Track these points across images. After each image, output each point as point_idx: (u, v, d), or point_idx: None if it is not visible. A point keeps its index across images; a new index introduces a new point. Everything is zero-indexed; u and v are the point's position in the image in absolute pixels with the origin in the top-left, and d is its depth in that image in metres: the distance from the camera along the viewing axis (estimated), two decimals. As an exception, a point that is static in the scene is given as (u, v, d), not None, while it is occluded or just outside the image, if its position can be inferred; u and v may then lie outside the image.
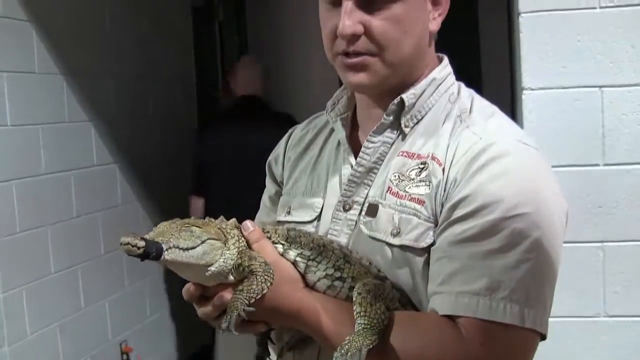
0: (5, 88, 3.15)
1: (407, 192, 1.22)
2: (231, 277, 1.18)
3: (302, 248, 1.23)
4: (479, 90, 1.34)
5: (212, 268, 1.16)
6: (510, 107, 3.05)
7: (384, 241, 1.22)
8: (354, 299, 1.15)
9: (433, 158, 1.22)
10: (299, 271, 1.23)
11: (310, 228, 1.33)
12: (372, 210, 1.26)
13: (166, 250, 1.11)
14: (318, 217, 1.35)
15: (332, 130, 1.41)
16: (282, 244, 1.24)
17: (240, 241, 1.22)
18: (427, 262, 1.19)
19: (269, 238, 1.25)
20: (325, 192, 1.35)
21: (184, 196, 4.12)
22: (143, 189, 4.30)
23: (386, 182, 1.26)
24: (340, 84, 1.33)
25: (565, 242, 1.21)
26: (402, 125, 1.28)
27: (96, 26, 3.91)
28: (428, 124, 1.27)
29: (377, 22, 1.20)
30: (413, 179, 1.22)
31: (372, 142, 1.29)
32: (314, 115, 1.52)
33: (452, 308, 1.13)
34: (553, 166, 1.33)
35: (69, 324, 3.59)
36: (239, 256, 1.18)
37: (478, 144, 1.19)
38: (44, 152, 3.42)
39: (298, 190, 1.41)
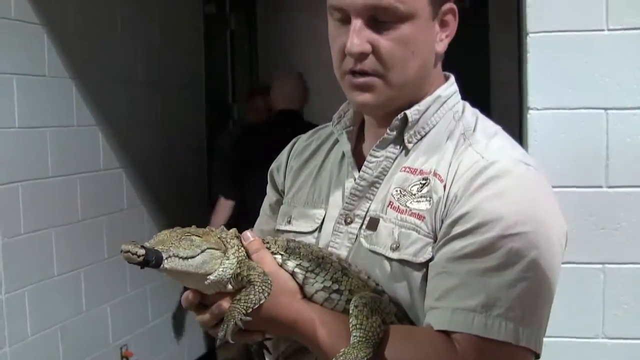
0: (15, 90, 3.17)
1: (408, 207, 1.23)
2: (230, 287, 1.19)
3: (301, 259, 1.24)
4: (487, 109, 1.34)
5: (211, 277, 1.17)
6: (519, 126, 3.05)
7: (383, 255, 1.23)
8: (350, 312, 1.16)
9: (435, 174, 1.23)
10: (297, 282, 1.24)
11: (310, 239, 1.34)
12: (373, 224, 1.26)
13: (166, 258, 1.12)
14: (319, 229, 1.35)
15: (336, 141, 1.41)
16: (282, 255, 1.25)
17: (240, 251, 1.22)
18: (425, 277, 1.20)
19: (269, 248, 1.25)
20: (327, 204, 1.36)
21: (189, 202, 4.12)
22: (149, 194, 4.31)
23: (388, 196, 1.26)
24: None
25: (566, 263, 1.21)
26: (405, 141, 1.29)
27: (107, 31, 3.93)
28: (431, 141, 1.28)
29: (385, 42, 1.21)
30: (414, 195, 1.23)
31: (375, 157, 1.30)
32: (320, 127, 1.52)
33: (447, 323, 1.14)
34: (556, 186, 1.34)
35: (70, 326, 3.60)
36: (238, 266, 1.19)
37: (480, 162, 1.19)
38: (51, 155, 3.44)
39: (299, 200, 1.42)
